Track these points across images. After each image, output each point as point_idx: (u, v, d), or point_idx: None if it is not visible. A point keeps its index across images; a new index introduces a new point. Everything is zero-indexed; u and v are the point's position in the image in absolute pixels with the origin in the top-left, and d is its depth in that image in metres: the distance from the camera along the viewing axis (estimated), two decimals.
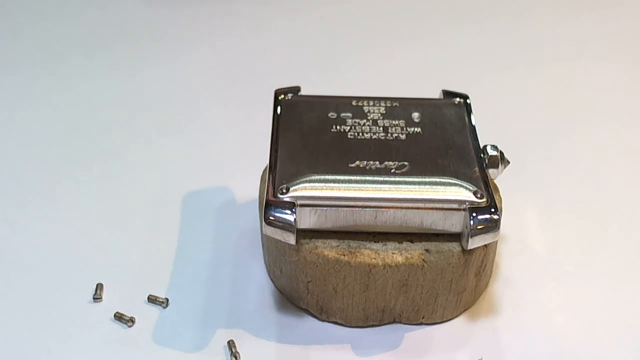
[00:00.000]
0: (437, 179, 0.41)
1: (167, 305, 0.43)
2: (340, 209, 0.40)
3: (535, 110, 0.60)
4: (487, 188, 0.41)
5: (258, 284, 0.45)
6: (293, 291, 0.43)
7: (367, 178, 0.41)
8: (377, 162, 0.42)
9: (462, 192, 0.40)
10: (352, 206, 0.40)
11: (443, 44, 0.69)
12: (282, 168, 0.41)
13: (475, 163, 0.42)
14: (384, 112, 0.45)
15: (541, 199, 0.51)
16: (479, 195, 0.40)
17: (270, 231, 0.39)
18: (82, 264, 0.46)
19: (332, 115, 0.45)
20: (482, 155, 0.43)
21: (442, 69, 0.65)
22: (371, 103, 0.46)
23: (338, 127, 0.44)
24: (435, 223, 0.40)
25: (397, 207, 0.40)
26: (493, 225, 0.39)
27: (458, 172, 0.41)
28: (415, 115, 0.45)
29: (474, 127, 0.45)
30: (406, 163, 0.42)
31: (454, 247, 0.41)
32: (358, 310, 0.42)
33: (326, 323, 0.43)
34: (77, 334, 0.42)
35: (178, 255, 0.47)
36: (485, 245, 0.40)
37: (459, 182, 0.40)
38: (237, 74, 0.64)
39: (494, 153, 0.43)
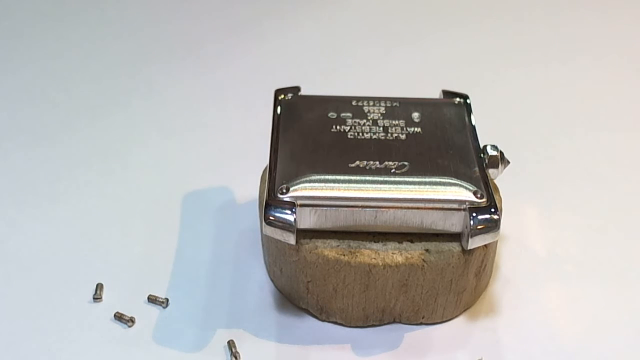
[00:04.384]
0: (437, 179, 0.41)
1: (167, 305, 0.43)
2: (340, 209, 0.40)
3: (535, 111, 0.60)
4: (487, 188, 0.41)
5: (258, 284, 0.45)
6: (293, 291, 0.43)
7: (367, 178, 0.41)
8: (377, 162, 0.42)
9: (462, 192, 0.40)
10: (352, 206, 0.40)
11: (443, 44, 0.69)
12: (282, 168, 0.41)
13: (475, 163, 0.42)
14: (384, 112, 0.45)
15: (541, 199, 0.51)
16: (479, 195, 0.40)
17: (270, 231, 0.39)
18: (82, 264, 0.46)
19: (332, 115, 0.45)
20: (482, 155, 0.43)
21: (442, 69, 0.65)
22: (371, 103, 0.46)
23: (338, 127, 0.44)
24: (435, 223, 0.40)
25: (397, 207, 0.40)
26: (493, 225, 0.39)
27: (458, 172, 0.41)
28: (415, 115, 0.45)
29: (474, 127, 0.45)
30: (406, 163, 0.42)
31: (454, 247, 0.41)
32: (358, 310, 0.42)
33: (326, 323, 0.43)
34: (77, 334, 0.42)
35: (178, 255, 0.47)
36: (485, 245, 0.40)
37: (459, 182, 0.40)
38: (237, 74, 0.64)
39: (494, 153, 0.43)
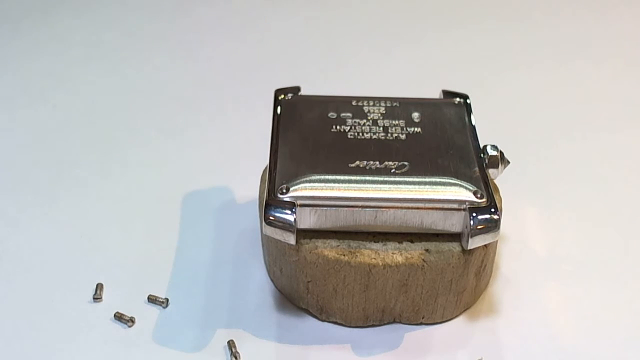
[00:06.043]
0: (437, 179, 0.41)
1: (167, 305, 0.43)
2: (340, 209, 0.40)
3: (535, 111, 0.60)
4: (487, 188, 0.41)
5: (258, 284, 0.45)
6: (293, 291, 0.43)
7: (367, 178, 0.41)
8: (377, 162, 0.42)
9: (462, 192, 0.40)
10: (352, 206, 0.40)
11: (443, 45, 0.69)
12: (282, 168, 0.41)
13: (475, 163, 0.42)
14: (384, 112, 0.45)
15: (541, 199, 0.51)
16: (479, 195, 0.40)
17: (270, 231, 0.39)
18: (82, 264, 0.46)
19: (332, 115, 0.45)
20: (482, 155, 0.43)
21: (442, 69, 0.65)
22: (371, 103, 0.46)
23: (338, 127, 0.44)
24: (435, 223, 0.40)
25: (397, 207, 0.40)
26: (493, 225, 0.39)
27: (458, 172, 0.41)
28: (415, 115, 0.45)
29: (474, 127, 0.45)
30: (406, 163, 0.42)
31: (454, 247, 0.41)
32: (358, 310, 0.42)
33: (326, 323, 0.43)
34: (77, 334, 0.42)
35: (178, 255, 0.47)
36: (485, 245, 0.40)
37: (459, 182, 0.40)
38: (237, 74, 0.64)
39: (494, 153, 0.43)
